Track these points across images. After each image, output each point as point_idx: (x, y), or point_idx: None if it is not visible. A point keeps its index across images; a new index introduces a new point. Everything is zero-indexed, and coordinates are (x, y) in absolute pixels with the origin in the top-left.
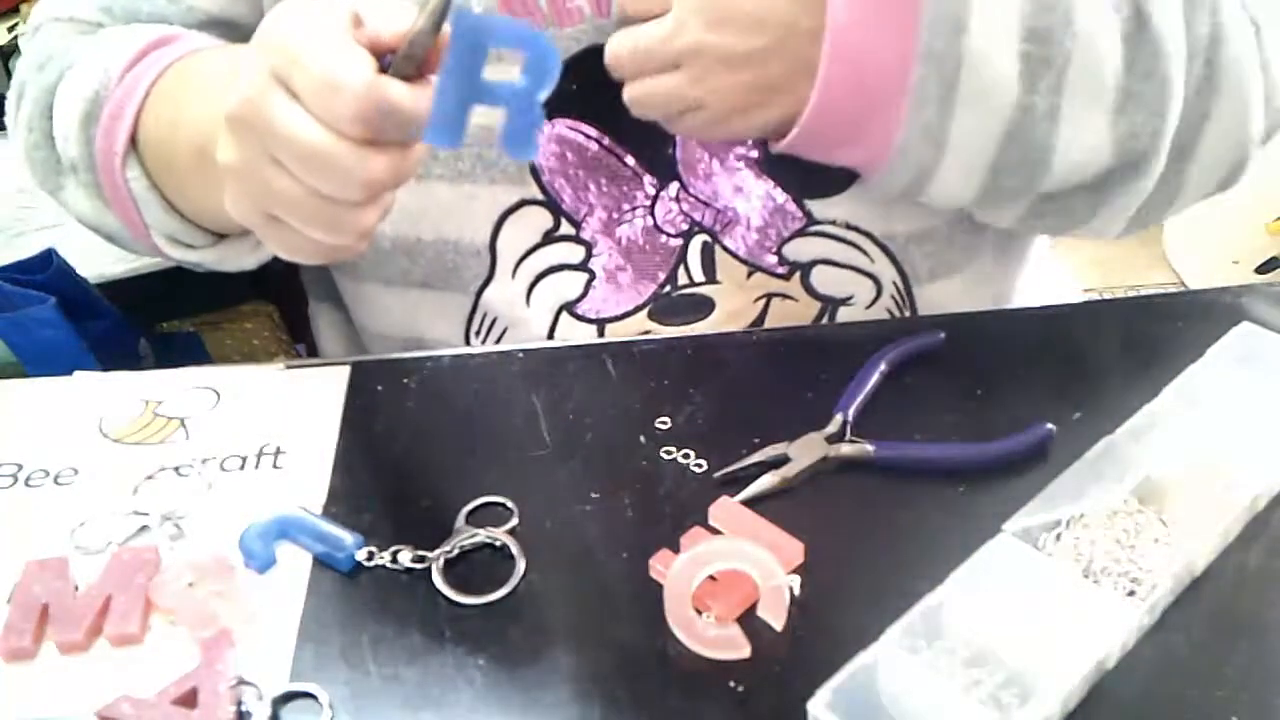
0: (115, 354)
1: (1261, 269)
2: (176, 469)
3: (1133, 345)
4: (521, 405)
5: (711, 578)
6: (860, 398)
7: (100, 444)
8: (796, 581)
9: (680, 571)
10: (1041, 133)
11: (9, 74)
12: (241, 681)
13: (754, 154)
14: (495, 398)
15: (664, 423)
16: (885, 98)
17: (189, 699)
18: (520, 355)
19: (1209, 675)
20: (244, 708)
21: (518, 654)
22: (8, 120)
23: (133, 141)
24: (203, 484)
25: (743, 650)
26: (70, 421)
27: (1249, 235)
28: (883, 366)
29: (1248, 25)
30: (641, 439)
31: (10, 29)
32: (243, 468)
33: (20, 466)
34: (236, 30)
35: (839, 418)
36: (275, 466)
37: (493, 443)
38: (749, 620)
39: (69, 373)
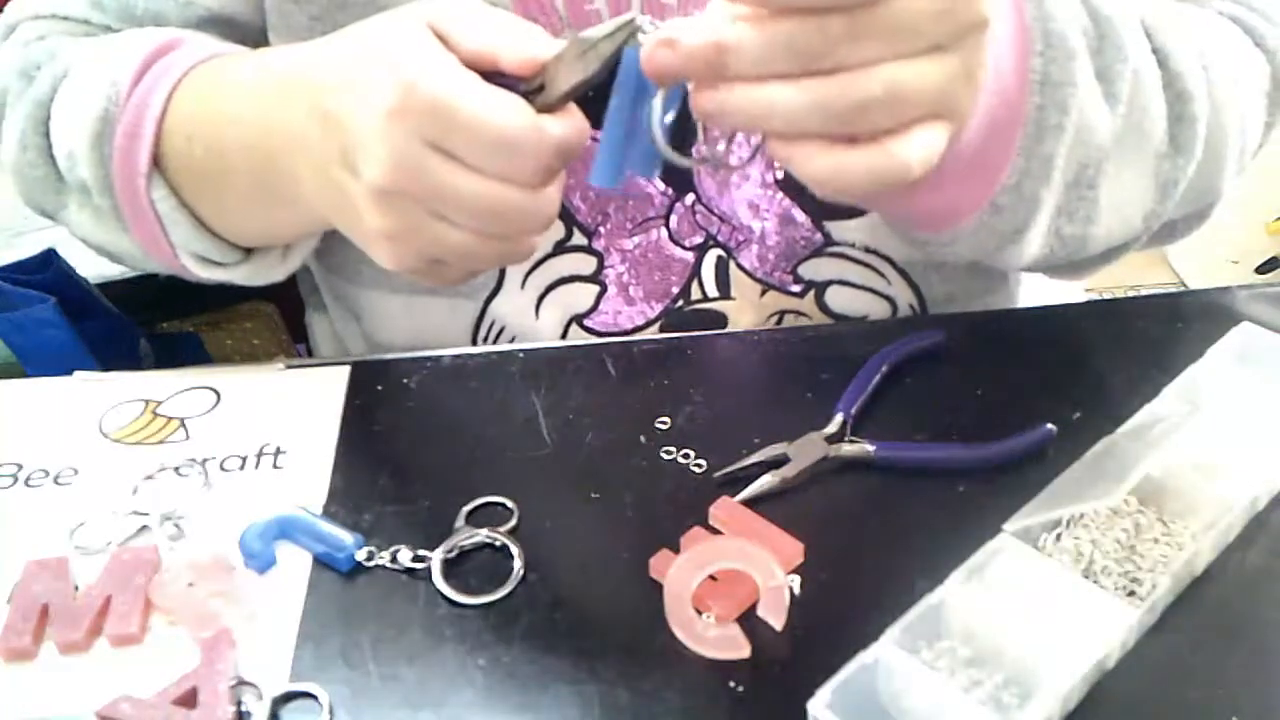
0: (115, 354)
1: (1261, 269)
2: (176, 469)
3: (1133, 345)
4: (521, 405)
5: (711, 577)
6: (860, 398)
7: (100, 444)
8: (796, 581)
9: (680, 571)
10: (1092, 176)
11: None
12: (241, 681)
13: (770, 175)
14: (495, 398)
15: (664, 423)
16: (1003, 129)
17: (189, 699)
18: (520, 355)
19: (1209, 675)
20: (244, 708)
21: (518, 654)
22: None
23: (156, 158)
24: (203, 484)
25: (743, 650)
26: (70, 421)
27: (1249, 235)
28: (883, 367)
29: (1232, 83)
30: (641, 439)
31: None
32: (243, 468)
33: (20, 466)
34: (235, 28)
35: (839, 418)
36: (275, 466)
37: (493, 443)
38: (749, 620)
39: (69, 373)
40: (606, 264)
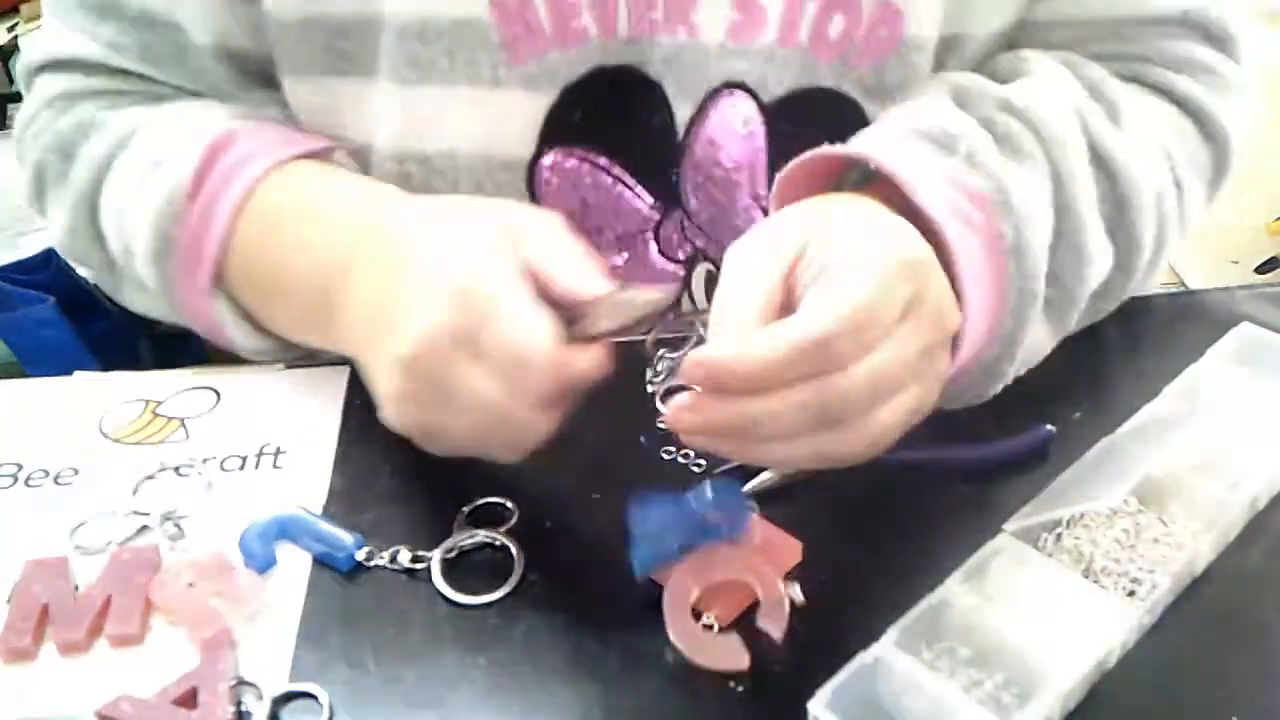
0: (115, 354)
1: (1261, 269)
2: (176, 469)
3: (1133, 345)
4: None
5: None
6: None
7: (100, 444)
8: (798, 590)
9: (679, 583)
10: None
11: (9, 74)
12: (241, 681)
13: (761, 192)
14: None
15: (664, 423)
16: (959, 374)
17: (189, 699)
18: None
19: (1209, 675)
20: (244, 708)
21: (518, 654)
22: (29, 203)
23: (218, 275)
24: (203, 484)
25: (742, 661)
26: (70, 421)
27: (1249, 235)
28: None
29: (1172, 187)
30: (641, 439)
31: (10, 29)
32: (243, 468)
33: (20, 466)
34: (247, 60)
35: None
36: (275, 466)
37: None
38: (749, 620)
39: (69, 373)
40: None
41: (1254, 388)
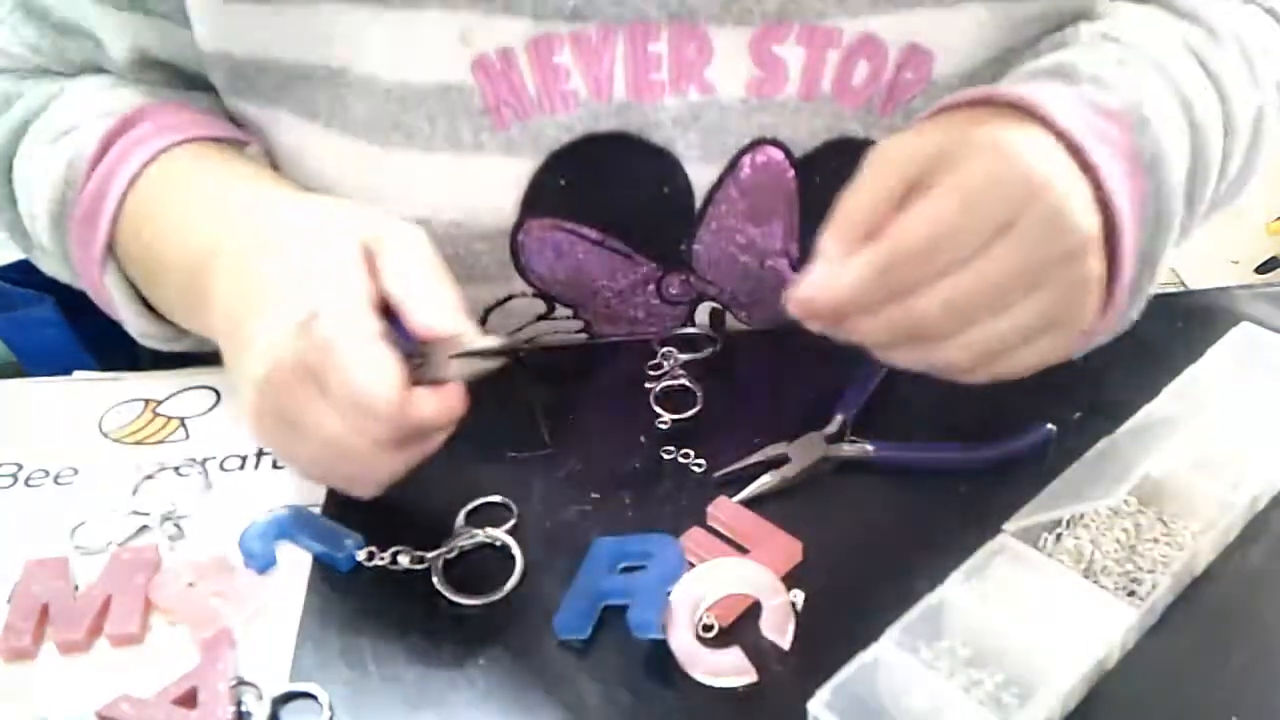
0: (115, 354)
1: (1261, 269)
2: (176, 469)
3: (1133, 345)
4: (521, 405)
5: None
6: (860, 398)
7: (100, 444)
8: (800, 597)
9: (681, 600)
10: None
11: None
12: (241, 681)
13: (792, 250)
14: (495, 398)
15: (664, 423)
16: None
17: (189, 699)
18: (520, 355)
19: (1209, 675)
20: (244, 708)
21: (518, 654)
22: None
23: (110, 245)
24: (203, 484)
25: (748, 677)
26: (70, 421)
27: (1249, 235)
28: (883, 367)
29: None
30: (641, 439)
31: None
32: (242, 467)
33: (20, 466)
34: (168, 69)
35: (839, 418)
36: (275, 466)
37: (493, 443)
38: (747, 618)
39: (69, 372)
40: (594, 326)
41: (1254, 388)
